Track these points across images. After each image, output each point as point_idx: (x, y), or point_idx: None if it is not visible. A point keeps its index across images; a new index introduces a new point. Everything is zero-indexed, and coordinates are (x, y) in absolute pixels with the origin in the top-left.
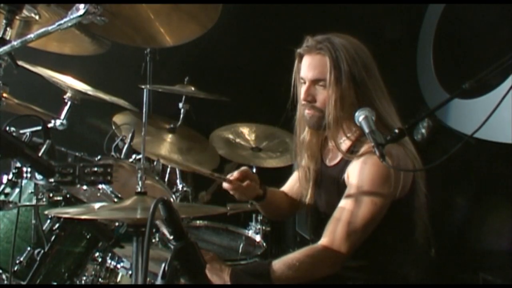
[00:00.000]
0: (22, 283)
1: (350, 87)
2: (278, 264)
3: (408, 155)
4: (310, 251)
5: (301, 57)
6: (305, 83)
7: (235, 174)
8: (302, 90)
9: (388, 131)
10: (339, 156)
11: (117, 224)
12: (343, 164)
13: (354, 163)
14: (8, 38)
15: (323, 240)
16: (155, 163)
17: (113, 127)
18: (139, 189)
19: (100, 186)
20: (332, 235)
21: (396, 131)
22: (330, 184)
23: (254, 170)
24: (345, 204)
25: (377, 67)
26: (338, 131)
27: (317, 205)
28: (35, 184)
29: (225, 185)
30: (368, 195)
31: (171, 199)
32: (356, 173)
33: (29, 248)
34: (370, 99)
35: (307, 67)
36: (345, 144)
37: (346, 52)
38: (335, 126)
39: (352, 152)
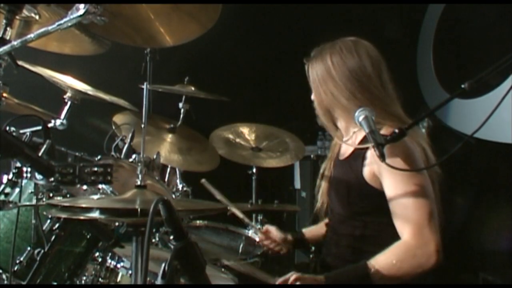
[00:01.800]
0: (22, 283)
1: (338, 88)
2: (378, 263)
3: (417, 148)
4: (407, 249)
5: None
6: None
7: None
8: None
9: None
10: (349, 151)
11: (117, 224)
12: (354, 159)
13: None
14: (8, 38)
15: (411, 237)
16: (154, 156)
17: (113, 127)
18: (139, 183)
19: (100, 186)
20: (416, 228)
21: (396, 131)
22: (340, 176)
23: (254, 170)
24: (405, 199)
25: (373, 65)
26: (342, 124)
27: (331, 200)
28: (35, 184)
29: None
30: (417, 183)
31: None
32: (393, 172)
33: (29, 248)
34: (369, 97)
35: None
36: (355, 138)
37: (320, 59)
38: (334, 120)
39: (362, 149)
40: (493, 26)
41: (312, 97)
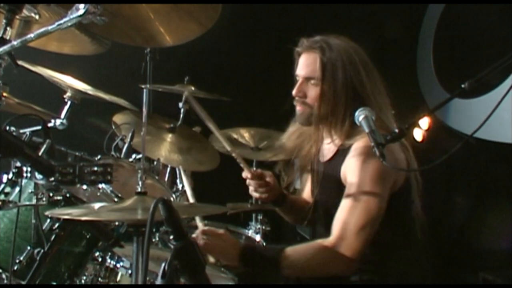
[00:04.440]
0: (22, 282)
1: (343, 86)
2: (290, 252)
3: (400, 147)
4: (322, 248)
5: (299, 55)
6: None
7: (257, 171)
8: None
9: (384, 131)
10: (332, 153)
11: (117, 224)
12: (336, 160)
13: (350, 161)
14: (8, 37)
15: (334, 239)
16: (155, 163)
17: (113, 127)
18: (139, 189)
19: (100, 185)
20: (342, 233)
21: (396, 130)
22: (327, 181)
23: (254, 166)
24: (349, 202)
25: (375, 68)
26: (328, 127)
27: (317, 202)
28: (35, 184)
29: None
30: (370, 192)
31: (171, 199)
32: (356, 172)
33: (29, 248)
34: (367, 100)
35: (301, 65)
36: (337, 141)
37: (342, 52)
38: (323, 122)
39: (344, 149)
40: (493, 26)
41: (311, 91)
